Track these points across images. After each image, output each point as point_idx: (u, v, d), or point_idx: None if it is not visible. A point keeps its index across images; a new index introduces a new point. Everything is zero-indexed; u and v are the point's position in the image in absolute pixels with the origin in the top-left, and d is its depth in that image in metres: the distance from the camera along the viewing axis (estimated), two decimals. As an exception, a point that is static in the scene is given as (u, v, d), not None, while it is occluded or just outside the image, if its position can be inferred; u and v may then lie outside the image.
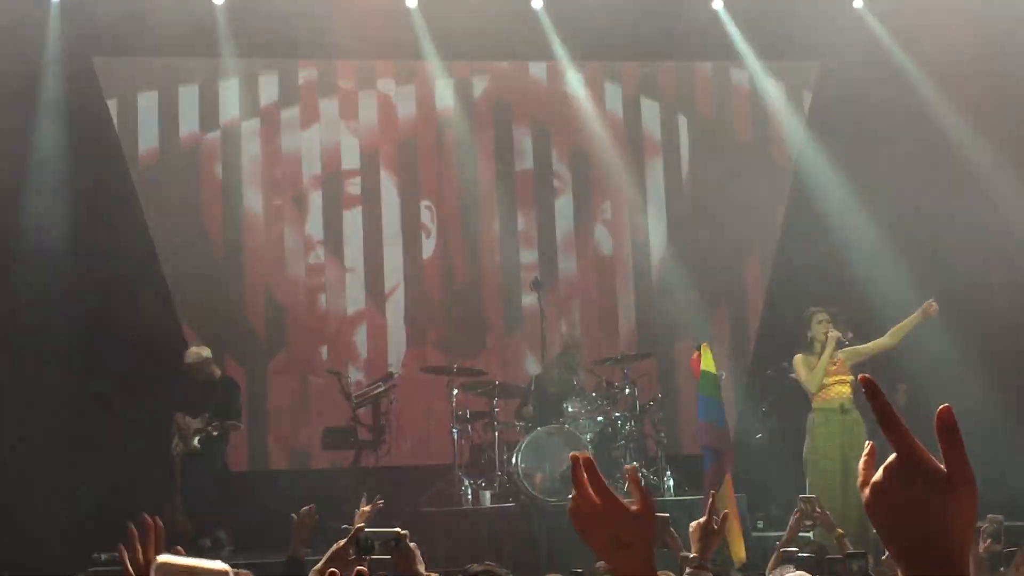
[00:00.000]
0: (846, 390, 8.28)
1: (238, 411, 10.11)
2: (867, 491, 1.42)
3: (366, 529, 4.20)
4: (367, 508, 5.17)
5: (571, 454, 1.76)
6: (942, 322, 10.99)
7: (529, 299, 11.47)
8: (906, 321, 8.53)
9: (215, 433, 9.77)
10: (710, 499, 3.81)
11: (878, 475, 1.42)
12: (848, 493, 7.99)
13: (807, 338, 8.46)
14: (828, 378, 8.33)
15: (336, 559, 4.08)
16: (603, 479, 1.70)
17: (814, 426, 8.37)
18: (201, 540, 9.38)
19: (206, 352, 10.11)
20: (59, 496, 10.00)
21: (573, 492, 1.68)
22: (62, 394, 10.27)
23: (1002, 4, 11.26)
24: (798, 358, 8.47)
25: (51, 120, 10.96)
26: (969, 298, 10.95)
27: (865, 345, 8.51)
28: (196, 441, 9.76)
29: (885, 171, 11.65)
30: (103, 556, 8.32)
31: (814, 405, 8.41)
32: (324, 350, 11.59)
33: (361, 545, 4.06)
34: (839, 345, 8.32)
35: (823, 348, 8.28)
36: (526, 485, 9.23)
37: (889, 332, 8.61)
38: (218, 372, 10.13)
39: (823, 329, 8.34)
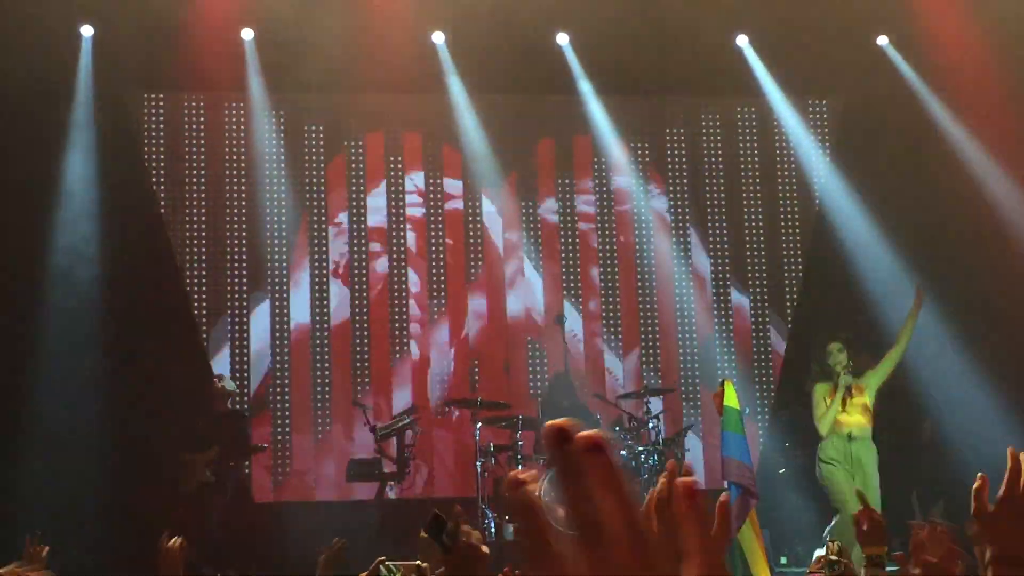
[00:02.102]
0: (856, 419, 8.33)
1: (250, 440, 10.29)
2: (982, 520, 1.49)
3: (386, 562, 4.23)
4: (330, 549, 5.07)
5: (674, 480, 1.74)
6: (966, 352, 11.03)
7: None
8: (906, 322, 8.63)
9: (229, 463, 9.89)
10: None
11: (994, 505, 1.50)
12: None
13: (825, 367, 8.53)
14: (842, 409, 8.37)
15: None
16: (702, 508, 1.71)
17: (822, 451, 8.46)
18: (204, 569, 9.42)
19: (231, 385, 10.30)
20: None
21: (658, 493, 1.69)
22: (90, 419, 10.35)
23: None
24: (818, 389, 8.50)
25: (81, 151, 11.11)
26: (993, 330, 10.97)
27: (881, 365, 8.56)
28: (209, 474, 9.85)
29: (908, 205, 11.66)
30: None
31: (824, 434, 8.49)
32: (349, 382, 11.63)
33: (382, 579, 4.10)
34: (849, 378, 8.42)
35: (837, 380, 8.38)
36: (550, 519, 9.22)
37: (896, 341, 8.70)
38: (224, 405, 10.29)
39: (835, 361, 8.45)
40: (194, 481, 9.87)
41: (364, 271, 11.87)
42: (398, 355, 11.76)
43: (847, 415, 8.36)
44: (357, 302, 11.81)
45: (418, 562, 4.25)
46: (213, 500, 9.83)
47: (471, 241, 12.05)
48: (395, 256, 11.94)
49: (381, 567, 4.13)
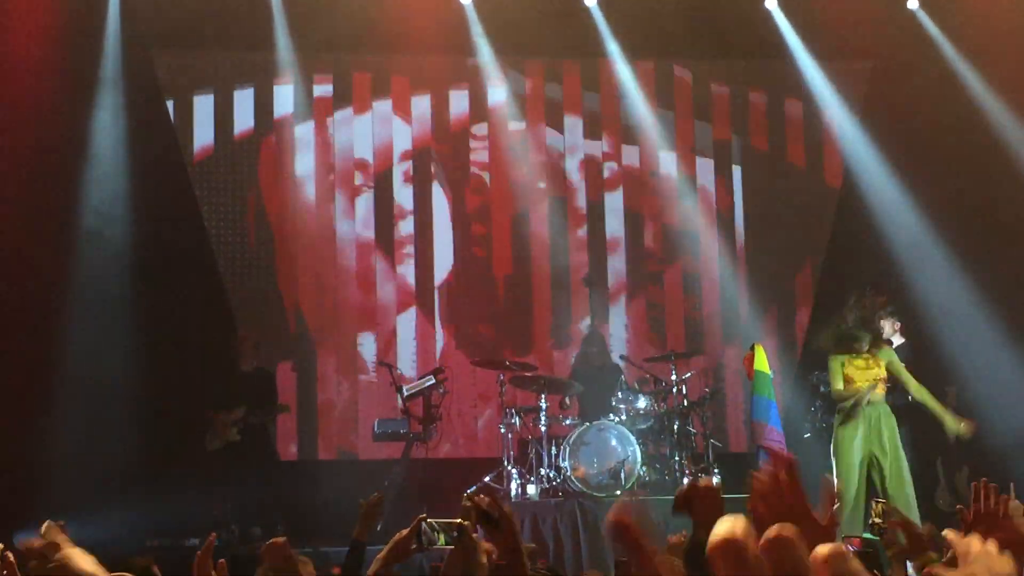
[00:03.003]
0: (874, 388, 8.31)
1: (276, 399, 10.34)
2: None
3: (428, 520, 4.27)
4: (368, 503, 4.95)
5: (784, 457, 1.88)
6: (990, 319, 11.01)
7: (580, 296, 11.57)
8: (935, 405, 8.54)
9: (254, 421, 9.95)
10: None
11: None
12: (867, 484, 8.10)
13: (871, 329, 8.38)
14: (856, 377, 8.34)
15: (398, 549, 4.16)
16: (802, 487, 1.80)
17: (839, 420, 8.42)
18: (232, 526, 9.53)
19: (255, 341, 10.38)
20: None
21: (760, 481, 1.77)
22: (118, 378, 10.43)
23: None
24: (834, 360, 8.42)
25: (109, 112, 11.11)
26: (1020, 297, 10.94)
27: (905, 375, 8.51)
28: (236, 432, 9.91)
29: (937, 172, 11.60)
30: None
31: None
32: (373, 342, 11.68)
33: (424, 536, 4.14)
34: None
35: (879, 343, 8.29)
36: (575, 480, 9.30)
37: (922, 390, 8.62)
38: (254, 363, 10.33)
39: (893, 329, 8.36)
40: (221, 440, 9.95)
41: (391, 228, 11.89)
42: (422, 313, 11.80)
43: (864, 383, 8.34)
44: (380, 254, 11.82)
45: (459, 520, 4.27)
46: (240, 458, 9.90)
47: (498, 190, 12.05)
48: (421, 218, 11.95)
49: (424, 523, 4.16)
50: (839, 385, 8.40)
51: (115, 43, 11.10)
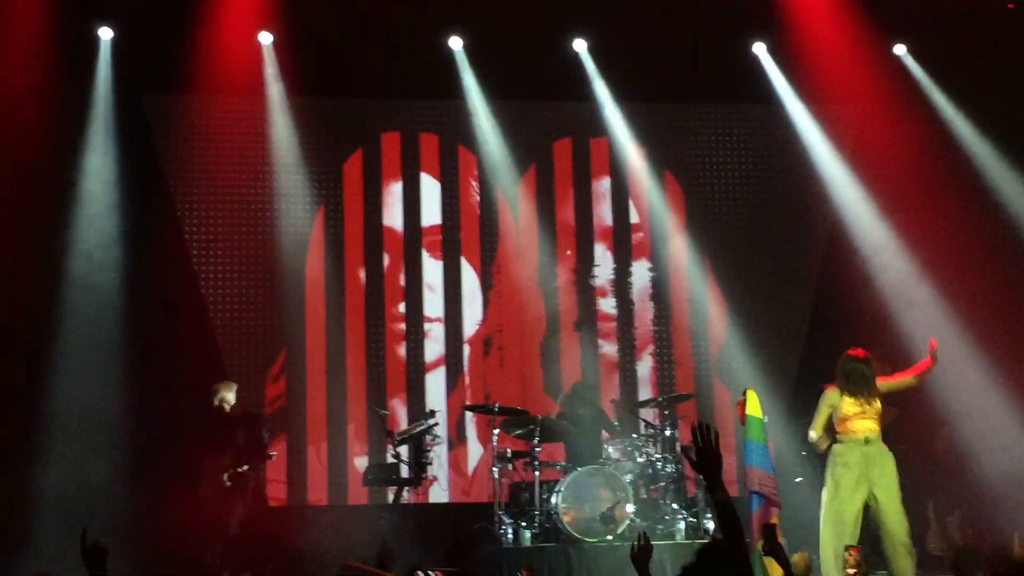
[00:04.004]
0: (870, 425, 8.26)
1: (265, 444, 10.31)
2: None
3: (422, 568, 4.25)
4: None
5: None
6: (981, 360, 11.05)
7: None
8: (922, 364, 8.47)
9: (246, 468, 9.92)
10: None
11: None
12: (864, 521, 8.07)
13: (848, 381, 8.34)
14: (853, 414, 8.28)
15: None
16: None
17: (834, 456, 8.32)
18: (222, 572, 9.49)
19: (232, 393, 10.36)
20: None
21: None
22: (106, 415, 10.39)
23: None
24: (829, 395, 8.34)
25: (101, 152, 11.13)
26: (1009, 337, 11.01)
27: (892, 381, 8.45)
28: (225, 477, 9.88)
29: (925, 214, 11.69)
30: None
31: (838, 438, 8.38)
32: (364, 386, 11.65)
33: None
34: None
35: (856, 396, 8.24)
36: (566, 525, 9.27)
37: (913, 373, 8.54)
38: (237, 408, 10.28)
39: (863, 374, 8.31)
40: (212, 485, 9.90)
41: (380, 272, 11.88)
42: (412, 357, 11.77)
43: (861, 421, 8.30)
44: (372, 303, 11.82)
45: (454, 569, 4.26)
46: (231, 503, 9.85)
47: (486, 241, 12.06)
48: (410, 257, 11.95)
49: (418, 573, 4.15)
50: (821, 421, 8.32)
51: (106, 87, 11.12)
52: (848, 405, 8.25)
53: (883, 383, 8.37)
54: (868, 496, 8.15)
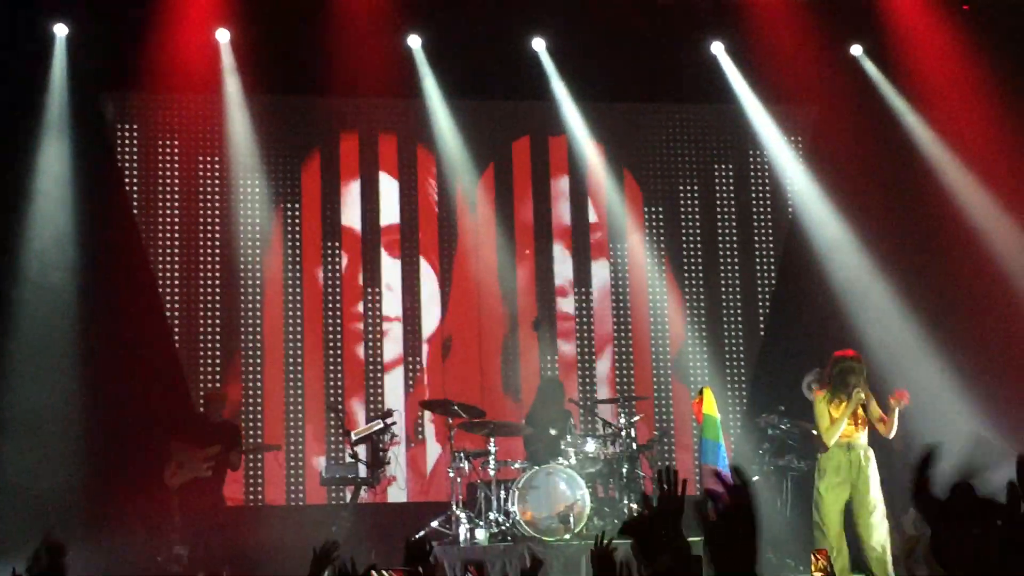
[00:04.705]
0: (855, 431, 8.30)
1: (242, 449, 10.24)
2: None
3: (377, 567, 4.23)
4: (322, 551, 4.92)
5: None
6: (937, 358, 11.14)
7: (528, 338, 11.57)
8: (890, 416, 8.42)
9: (231, 460, 9.81)
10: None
11: None
12: (856, 523, 8.12)
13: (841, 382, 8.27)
14: (838, 420, 8.31)
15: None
16: None
17: (824, 461, 8.35)
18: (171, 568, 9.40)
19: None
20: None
21: None
22: (59, 416, 10.31)
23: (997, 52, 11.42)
24: (820, 399, 8.33)
25: (55, 150, 11.02)
26: (966, 335, 11.11)
27: (876, 410, 8.43)
28: (207, 468, 9.74)
29: (879, 211, 11.79)
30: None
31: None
32: (323, 386, 11.60)
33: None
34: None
35: (848, 399, 8.20)
36: (524, 524, 9.26)
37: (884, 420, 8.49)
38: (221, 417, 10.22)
39: (856, 383, 8.23)
40: (186, 475, 9.76)
41: (338, 271, 11.84)
42: (371, 357, 11.74)
43: (851, 427, 8.32)
44: (330, 302, 11.78)
45: (408, 568, 4.25)
46: (203, 498, 9.72)
47: (444, 241, 12.05)
48: (368, 257, 11.91)
49: (372, 573, 4.13)
50: (825, 422, 8.31)
51: (61, 84, 11.02)
52: (833, 410, 8.28)
53: (871, 410, 8.36)
54: (849, 500, 8.23)
